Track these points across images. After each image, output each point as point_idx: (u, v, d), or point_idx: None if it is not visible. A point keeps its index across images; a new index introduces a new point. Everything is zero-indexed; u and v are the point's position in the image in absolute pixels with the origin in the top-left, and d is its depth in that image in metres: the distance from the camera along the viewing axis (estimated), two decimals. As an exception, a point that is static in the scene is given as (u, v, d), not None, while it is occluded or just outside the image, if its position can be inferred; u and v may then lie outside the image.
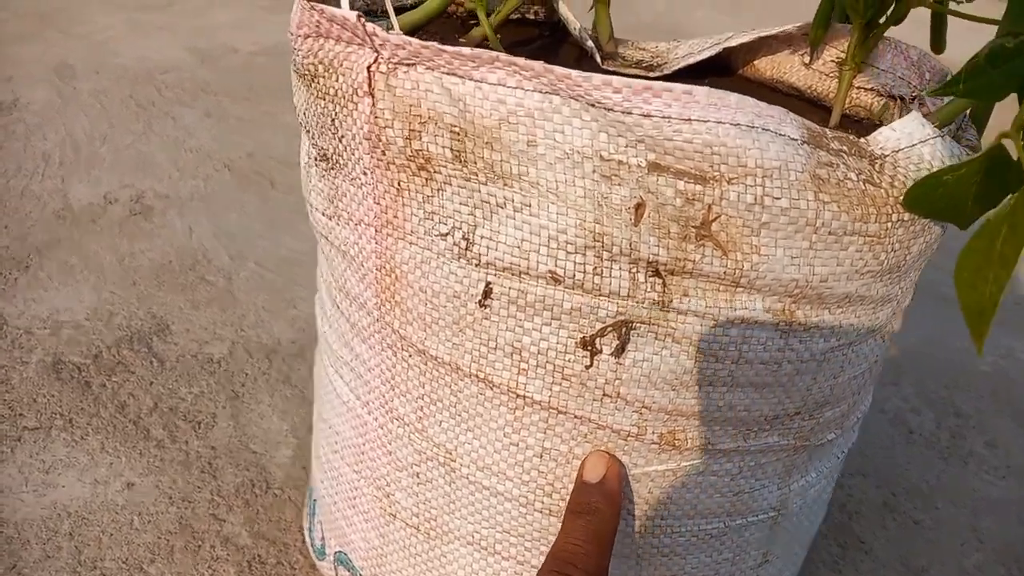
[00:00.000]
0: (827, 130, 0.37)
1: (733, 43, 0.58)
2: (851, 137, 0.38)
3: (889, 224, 0.36)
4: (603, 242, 0.35)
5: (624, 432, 0.40)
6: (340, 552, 0.54)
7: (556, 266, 0.36)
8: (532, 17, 0.66)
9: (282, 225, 1.07)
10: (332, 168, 0.42)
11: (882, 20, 0.52)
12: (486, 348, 0.40)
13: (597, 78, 0.33)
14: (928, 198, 0.36)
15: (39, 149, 1.19)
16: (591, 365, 0.38)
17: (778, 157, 0.34)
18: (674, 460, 0.41)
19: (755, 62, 0.60)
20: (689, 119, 0.33)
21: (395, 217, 0.40)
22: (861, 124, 0.53)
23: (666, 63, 0.62)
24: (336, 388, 0.50)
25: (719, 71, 0.61)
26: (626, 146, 0.34)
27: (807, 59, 0.56)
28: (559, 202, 0.35)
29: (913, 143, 0.38)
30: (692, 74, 0.61)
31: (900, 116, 0.48)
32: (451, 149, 0.36)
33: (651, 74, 0.60)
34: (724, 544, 0.45)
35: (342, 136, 0.40)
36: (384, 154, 0.38)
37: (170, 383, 0.78)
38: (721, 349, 0.38)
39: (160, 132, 1.28)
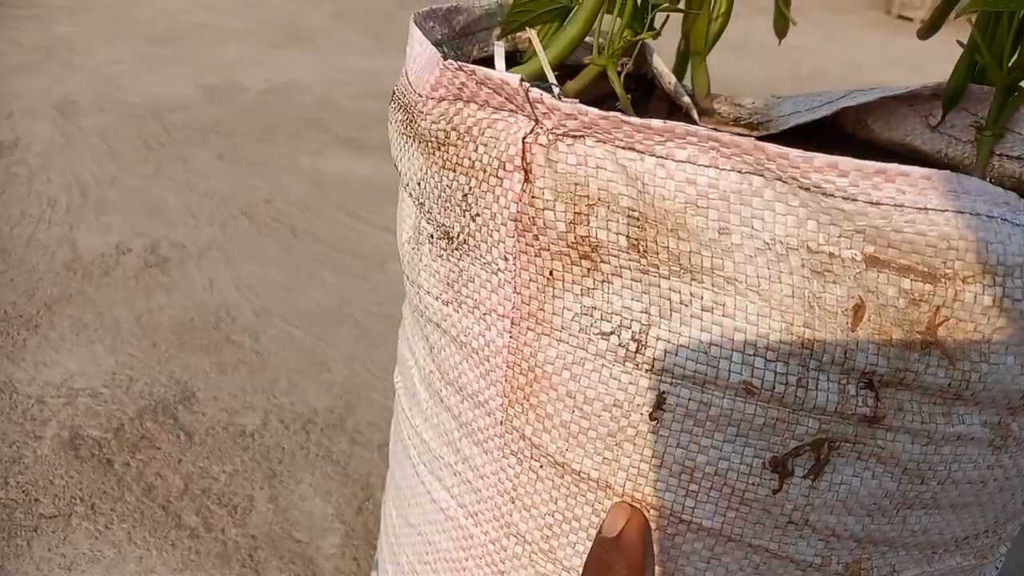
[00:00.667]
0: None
1: (850, 103, 0.53)
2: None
3: None
4: (812, 349, 0.30)
5: (805, 563, 0.34)
6: (425, 675, 0.47)
7: (752, 376, 0.31)
8: (619, 70, 0.61)
9: (306, 276, 1.01)
10: (457, 249, 0.36)
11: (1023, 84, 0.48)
12: (648, 466, 0.34)
13: (820, 159, 0.28)
14: None
15: (44, 193, 1.12)
16: (779, 489, 0.33)
17: (1020, 252, 0.29)
18: (859, 594, 0.35)
19: (868, 122, 0.55)
20: (925, 208, 0.28)
21: (540, 310, 0.34)
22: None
23: (770, 121, 0.57)
24: (432, 492, 0.44)
25: (825, 130, 0.56)
26: (839, 236, 0.29)
27: (933, 121, 0.52)
28: (761, 301, 0.30)
29: None
30: (799, 134, 0.56)
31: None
32: (627, 236, 0.31)
33: (755, 133, 0.55)
34: None
35: (477, 215, 0.34)
36: (537, 239, 0.32)
37: (200, 460, 0.71)
38: (930, 469, 0.33)
39: (171, 175, 1.21)
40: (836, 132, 0.56)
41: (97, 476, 0.68)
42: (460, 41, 0.53)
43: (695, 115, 0.56)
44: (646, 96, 0.60)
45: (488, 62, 0.56)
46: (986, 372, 0.30)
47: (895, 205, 0.28)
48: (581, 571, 0.34)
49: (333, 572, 0.62)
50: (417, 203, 0.39)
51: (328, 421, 0.77)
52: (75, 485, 0.66)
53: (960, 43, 0.50)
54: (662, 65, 0.58)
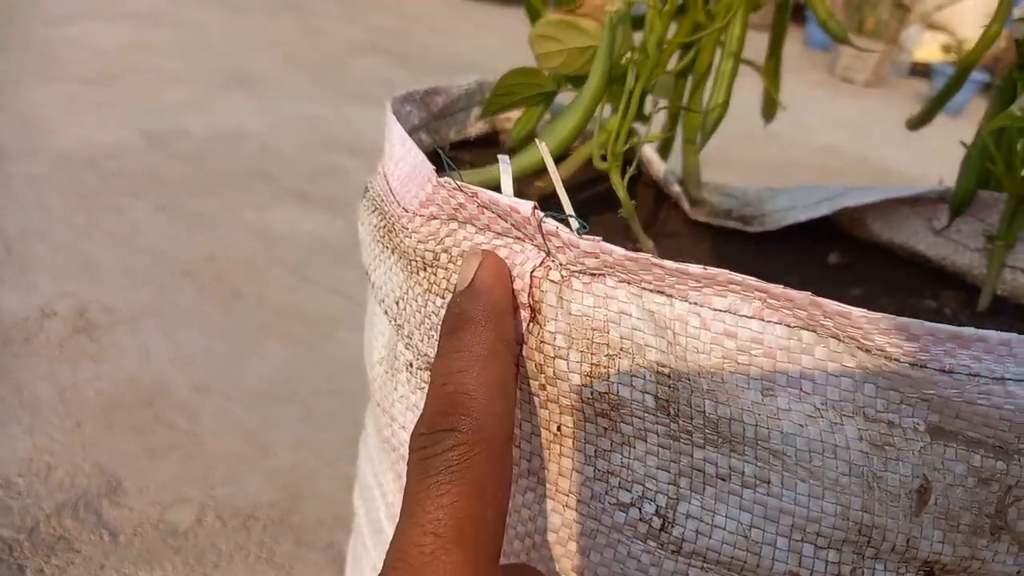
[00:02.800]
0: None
1: (851, 203, 0.50)
2: None
3: None
4: (871, 536, 0.26)
5: None
6: None
7: (800, 565, 0.26)
8: (603, 153, 0.57)
9: (250, 346, 0.94)
10: (442, 385, 0.31)
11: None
12: (666, 657, 0.29)
13: (887, 320, 0.24)
14: None
15: (-39, 247, 1.03)
16: None
17: (1102, 423, 0.26)
18: None
19: (867, 220, 0.52)
20: (1003, 378, 0.24)
21: (543, 469, 0.29)
22: (1021, 310, 0.45)
23: (763, 215, 0.54)
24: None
25: (819, 226, 0.53)
26: (900, 403, 0.25)
27: (937, 225, 0.49)
28: (812, 480, 0.25)
29: None
30: (794, 229, 0.53)
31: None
32: (656, 396, 0.26)
33: (749, 228, 0.52)
34: None
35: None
36: (544, 389, 0.28)
37: (126, 565, 0.63)
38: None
39: (105, 228, 1.13)
40: (832, 229, 0.53)
41: (3, 589, 0.59)
42: (437, 123, 0.48)
43: (686, 205, 0.53)
44: (632, 182, 0.56)
45: (464, 145, 0.51)
46: (1057, 558, 0.26)
47: (970, 375, 0.24)
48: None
49: None
50: (395, 324, 0.34)
51: (271, 517, 0.70)
52: (-24, 601, 0.58)
53: (964, 144, 0.47)
54: (652, 152, 0.55)
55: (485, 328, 0.26)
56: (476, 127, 0.51)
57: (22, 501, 0.67)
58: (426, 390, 0.32)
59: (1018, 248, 0.46)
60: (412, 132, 0.44)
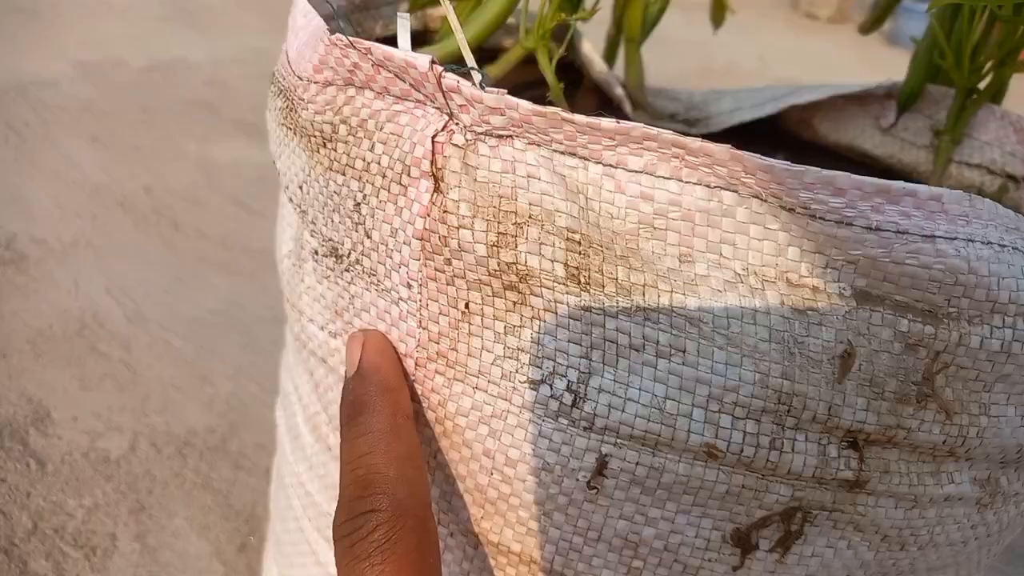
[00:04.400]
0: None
1: (798, 100, 0.48)
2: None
3: None
4: (791, 404, 0.24)
5: (767, 647, 0.29)
6: None
7: (718, 436, 0.25)
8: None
9: (189, 278, 0.91)
10: (348, 270, 0.29)
11: (982, 86, 0.44)
12: (582, 540, 0.28)
13: (812, 173, 0.22)
14: None
15: None
16: (740, 566, 0.27)
17: (1032, 286, 0.24)
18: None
19: (814, 122, 0.51)
20: (933, 235, 0.23)
21: (452, 350, 0.27)
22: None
23: (707, 117, 0.52)
24: (318, 554, 0.37)
25: (765, 128, 0.51)
26: (825, 267, 0.23)
27: (885, 123, 0.48)
28: (731, 347, 0.24)
29: None
30: (737, 134, 0.51)
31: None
32: (565, 264, 0.24)
33: (693, 131, 0.50)
34: None
35: (372, 229, 0.27)
36: (449, 263, 0.26)
37: (54, 493, 0.61)
38: (912, 535, 0.28)
39: (37, 162, 1.08)
40: (778, 132, 0.52)
41: (-78, 519, 0.57)
42: (360, 16, 0.45)
43: (628, 109, 0.51)
44: (572, 87, 0.54)
45: (392, 42, 0.49)
46: (985, 426, 0.26)
47: (898, 232, 0.23)
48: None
49: (211, 625, 0.54)
50: (299, 211, 0.31)
51: (208, 443, 0.68)
52: None
53: (914, 40, 0.46)
54: (592, 52, 0.52)
55: (382, 408, 0.26)
56: (404, 23, 0.48)
57: (-57, 432, 0.64)
58: (332, 279, 0.30)
59: (964, 143, 0.45)
60: (330, 20, 0.41)
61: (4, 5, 1.61)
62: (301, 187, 0.31)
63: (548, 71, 0.35)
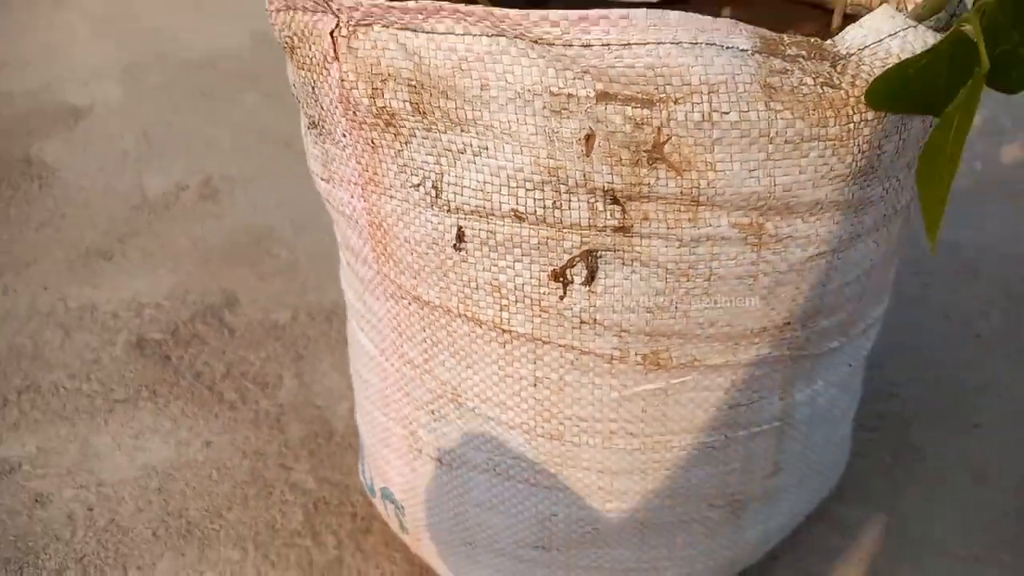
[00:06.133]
0: (784, 36, 0.37)
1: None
2: (813, 40, 0.37)
3: (851, 125, 0.36)
4: (559, 176, 0.37)
5: (607, 356, 0.42)
6: (384, 488, 0.58)
7: (518, 204, 0.38)
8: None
9: (339, 193, 1.11)
10: (321, 134, 0.45)
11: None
12: (469, 289, 0.42)
13: (535, 14, 0.34)
14: (893, 93, 0.36)
15: (118, 147, 1.27)
16: (564, 296, 0.40)
17: (724, 71, 0.35)
18: (662, 379, 0.43)
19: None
20: (628, 43, 0.34)
21: (375, 174, 0.42)
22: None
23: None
24: (360, 341, 0.54)
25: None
26: (573, 79, 0.35)
27: (802, -33, 0.55)
28: (513, 141, 0.37)
29: (881, 38, 0.37)
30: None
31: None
32: (411, 103, 0.38)
33: None
34: (730, 456, 0.47)
35: (321, 102, 0.43)
36: (355, 114, 0.40)
37: (240, 350, 0.84)
38: (691, 268, 0.39)
39: (223, 116, 1.34)
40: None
41: (158, 368, 0.82)
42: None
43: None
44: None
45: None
46: (714, 179, 0.36)
47: (603, 44, 0.34)
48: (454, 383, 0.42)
49: (344, 429, 0.74)
50: (297, 100, 0.47)
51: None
52: (141, 376, 0.81)
53: None
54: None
55: None
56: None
57: (167, 315, 0.90)
58: (316, 143, 0.46)
59: (863, -27, 0.51)
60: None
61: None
62: (294, 85, 0.46)
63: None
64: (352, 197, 0.45)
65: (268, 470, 0.71)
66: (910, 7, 0.45)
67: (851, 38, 0.37)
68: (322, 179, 0.48)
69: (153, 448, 0.73)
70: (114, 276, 0.97)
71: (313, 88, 0.43)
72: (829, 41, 0.37)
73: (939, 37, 0.37)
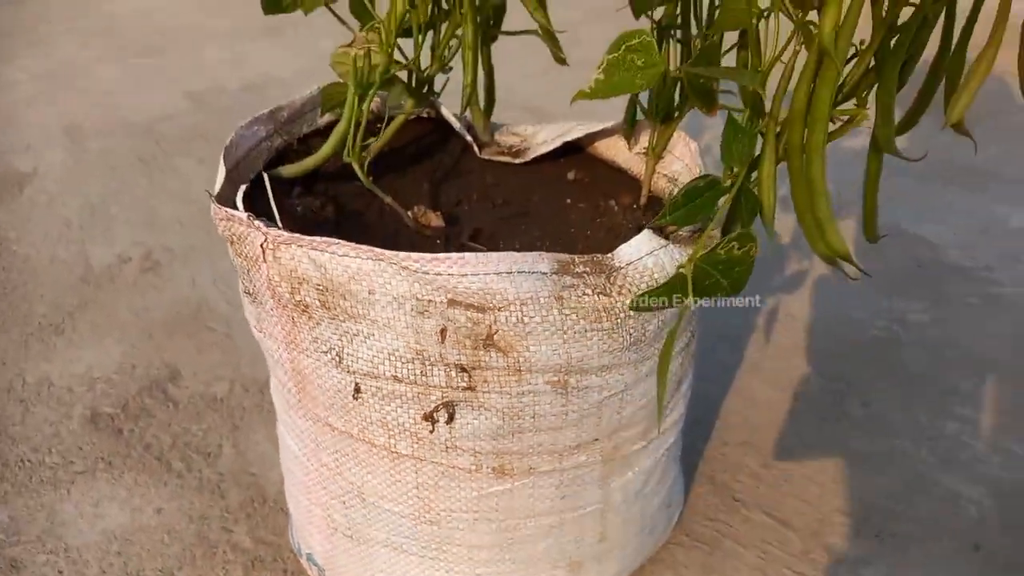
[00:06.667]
0: (576, 257, 0.54)
1: (573, 136, 0.73)
2: (596, 258, 0.54)
3: (619, 320, 0.53)
4: (423, 355, 0.53)
5: (467, 468, 0.58)
6: (309, 553, 0.73)
7: (396, 372, 0.54)
8: (426, 115, 0.82)
9: (270, 265, 1.25)
10: (255, 302, 0.60)
11: (676, 116, 0.67)
12: (366, 423, 0.58)
13: (403, 255, 0.50)
14: (646, 304, 0.53)
15: (60, 215, 1.38)
16: (433, 430, 0.56)
17: (530, 290, 0.51)
18: (508, 483, 0.59)
19: (596, 145, 0.76)
20: (466, 274, 0.50)
21: (295, 339, 0.57)
22: (661, 204, 0.69)
23: (529, 148, 0.78)
24: (287, 442, 0.69)
25: (572, 150, 0.76)
26: (432, 291, 0.52)
27: (632, 145, 0.72)
28: (391, 331, 0.53)
29: (641, 255, 0.54)
30: (551, 155, 0.76)
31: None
32: (319, 300, 0.54)
33: (516, 160, 0.76)
34: (564, 531, 0.63)
35: (254, 283, 0.58)
36: (279, 301, 0.56)
37: (184, 422, 0.98)
38: (520, 411, 0.56)
39: (163, 185, 1.46)
40: (578, 151, 0.76)
41: (111, 441, 0.95)
42: (290, 127, 0.75)
43: (476, 149, 0.78)
44: (445, 137, 0.81)
45: (317, 134, 0.77)
46: (529, 356, 0.53)
47: (450, 274, 0.50)
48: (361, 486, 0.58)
49: (276, 494, 0.89)
50: (238, 273, 0.62)
51: (278, 384, 1.03)
52: (96, 449, 0.94)
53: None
54: (449, 115, 0.79)
55: None
56: (323, 120, 0.77)
57: (116, 388, 1.03)
58: (252, 304, 0.61)
59: (665, 158, 0.69)
60: (261, 141, 0.71)
61: (132, 48, 2.01)
62: (233, 261, 0.61)
63: (362, 175, 0.63)
64: (279, 348, 0.60)
65: (212, 532, 0.85)
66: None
67: (623, 254, 0.54)
68: (256, 329, 0.63)
69: (111, 515, 0.87)
70: (66, 350, 1.09)
71: (248, 272, 0.58)
72: (609, 255, 0.54)
73: (685, 254, 0.55)
